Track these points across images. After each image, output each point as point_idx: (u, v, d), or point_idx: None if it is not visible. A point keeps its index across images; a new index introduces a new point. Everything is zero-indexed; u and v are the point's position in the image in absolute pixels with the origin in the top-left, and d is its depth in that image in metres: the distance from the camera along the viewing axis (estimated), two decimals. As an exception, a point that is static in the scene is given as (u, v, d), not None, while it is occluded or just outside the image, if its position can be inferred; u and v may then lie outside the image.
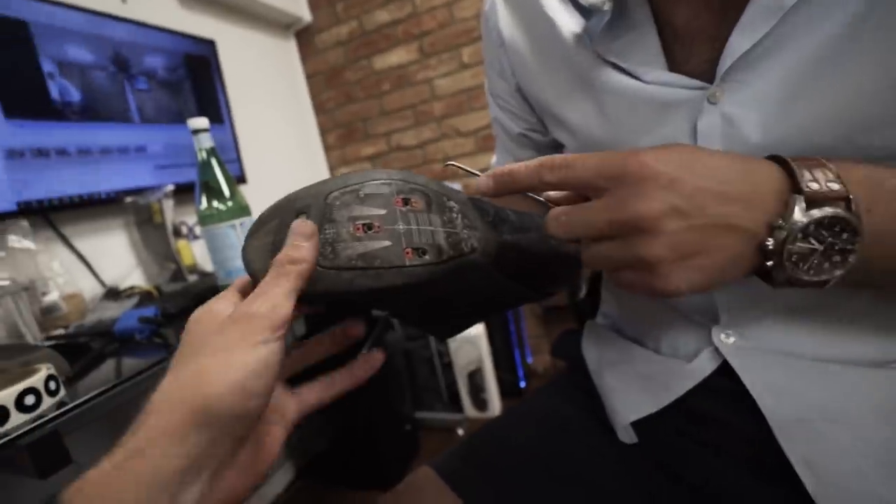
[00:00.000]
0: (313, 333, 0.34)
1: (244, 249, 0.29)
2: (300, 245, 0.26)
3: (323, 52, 1.83)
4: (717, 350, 0.40)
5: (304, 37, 1.85)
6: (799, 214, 0.26)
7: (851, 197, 0.26)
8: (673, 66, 0.37)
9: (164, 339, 0.69)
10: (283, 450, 0.29)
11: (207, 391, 0.22)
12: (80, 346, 0.68)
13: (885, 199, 0.28)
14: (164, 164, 1.17)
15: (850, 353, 0.37)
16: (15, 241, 0.82)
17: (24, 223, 0.85)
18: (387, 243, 0.27)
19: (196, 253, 1.12)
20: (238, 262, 0.75)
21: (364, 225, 0.27)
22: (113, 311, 0.84)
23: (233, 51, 1.51)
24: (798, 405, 0.36)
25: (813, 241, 0.26)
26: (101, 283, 1.03)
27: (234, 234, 0.75)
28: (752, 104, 0.33)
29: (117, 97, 1.08)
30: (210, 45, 1.38)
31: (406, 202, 0.29)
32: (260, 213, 0.30)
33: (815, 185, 0.26)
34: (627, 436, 0.44)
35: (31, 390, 0.45)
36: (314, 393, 0.32)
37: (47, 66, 0.94)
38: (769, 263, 0.27)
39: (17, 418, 0.44)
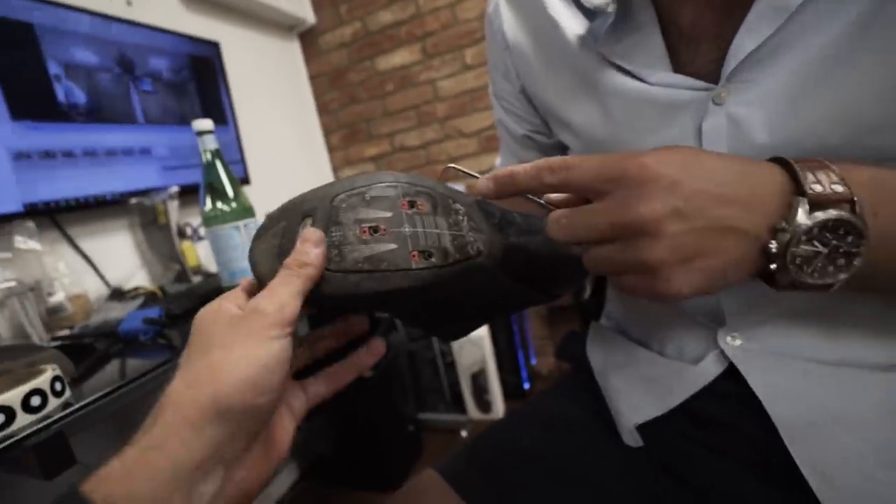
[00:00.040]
0: (317, 327, 0.34)
1: (251, 251, 0.29)
2: (308, 251, 0.26)
3: (326, 54, 1.84)
4: (722, 353, 0.40)
5: (308, 38, 1.86)
6: (802, 217, 0.25)
7: (856, 199, 0.26)
8: (677, 67, 0.37)
9: (168, 341, 0.69)
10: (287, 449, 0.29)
11: (220, 387, 0.23)
12: (85, 347, 0.68)
13: (890, 200, 0.27)
14: (169, 165, 1.18)
15: (857, 357, 0.36)
16: (21, 242, 0.83)
17: (31, 224, 0.86)
18: (393, 246, 0.27)
19: (200, 254, 1.13)
20: (242, 263, 0.75)
21: (370, 228, 0.27)
22: (118, 311, 0.84)
23: (237, 52, 1.52)
24: (806, 409, 0.36)
25: (817, 244, 0.26)
26: (106, 283, 1.04)
27: (238, 236, 0.75)
28: (757, 105, 0.33)
29: (122, 99, 1.09)
30: (214, 46, 1.38)
31: (412, 205, 0.29)
32: (266, 216, 0.30)
33: (818, 188, 0.26)
34: (633, 439, 0.44)
35: (37, 391, 0.46)
36: (321, 385, 0.32)
37: (53, 69, 0.95)
38: (772, 266, 0.26)
39: (22, 419, 0.44)
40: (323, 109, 1.91)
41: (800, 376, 0.37)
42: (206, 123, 0.75)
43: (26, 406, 0.44)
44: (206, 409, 0.22)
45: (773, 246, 0.26)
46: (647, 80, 0.38)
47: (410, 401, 1.53)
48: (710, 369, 0.41)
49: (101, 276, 1.03)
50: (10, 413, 0.43)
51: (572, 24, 0.42)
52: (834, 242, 0.26)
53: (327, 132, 1.93)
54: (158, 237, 1.08)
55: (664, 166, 0.25)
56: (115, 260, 1.08)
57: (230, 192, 0.76)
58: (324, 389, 0.32)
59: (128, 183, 1.07)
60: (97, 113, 1.02)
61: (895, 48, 0.29)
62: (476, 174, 0.31)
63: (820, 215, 0.25)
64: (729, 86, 0.34)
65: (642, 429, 0.44)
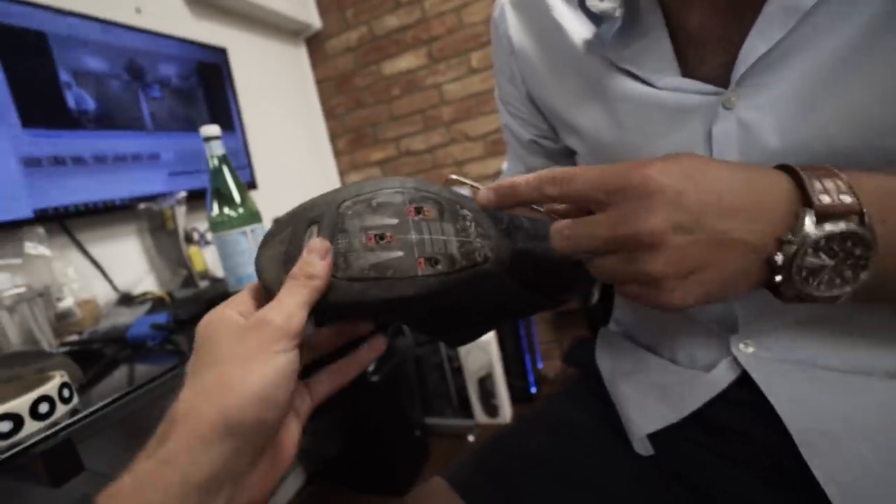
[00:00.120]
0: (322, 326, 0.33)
1: (257, 258, 0.29)
2: (314, 262, 0.26)
3: (333, 58, 1.85)
4: (735, 360, 0.39)
5: (314, 43, 1.87)
6: (810, 229, 0.25)
7: (865, 210, 0.25)
8: (686, 71, 0.37)
9: (176, 346, 0.70)
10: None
11: (229, 402, 0.23)
12: (93, 353, 0.69)
13: None
14: (177, 170, 1.19)
15: (871, 364, 0.36)
16: (31, 247, 0.84)
17: (41, 230, 0.87)
18: (399, 253, 0.27)
19: (207, 259, 1.13)
20: (249, 269, 0.75)
21: (376, 235, 0.27)
22: (126, 316, 0.85)
23: (244, 58, 1.53)
24: (820, 417, 0.35)
25: (824, 257, 0.25)
26: (115, 288, 1.04)
27: (245, 241, 0.76)
28: (768, 109, 0.33)
29: (131, 105, 1.10)
30: (222, 52, 1.39)
31: (419, 211, 0.28)
32: (272, 223, 0.30)
33: (826, 198, 0.25)
34: (643, 447, 0.44)
35: (45, 398, 0.46)
36: (325, 383, 0.32)
37: (64, 76, 0.96)
38: (778, 278, 0.26)
39: (31, 426, 0.44)
40: (329, 114, 1.92)
41: (814, 384, 0.36)
42: (213, 129, 0.75)
43: (34, 413, 0.44)
44: (216, 425, 0.22)
45: (779, 258, 0.25)
46: (655, 84, 0.37)
47: (417, 405, 1.53)
48: (722, 377, 0.40)
49: (110, 281, 1.04)
50: (18, 420, 0.43)
51: (578, 29, 0.41)
52: (841, 254, 0.25)
53: (334, 137, 1.93)
54: (166, 242, 1.09)
55: (668, 177, 0.25)
56: (124, 265, 1.09)
57: (237, 197, 0.76)
58: (327, 387, 0.32)
59: (136, 188, 1.08)
60: (106, 119, 1.03)
61: None
62: (477, 185, 0.31)
63: (828, 227, 0.25)
64: (739, 90, 0.34)
65: (652, 436, 0.43)
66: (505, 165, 0.60)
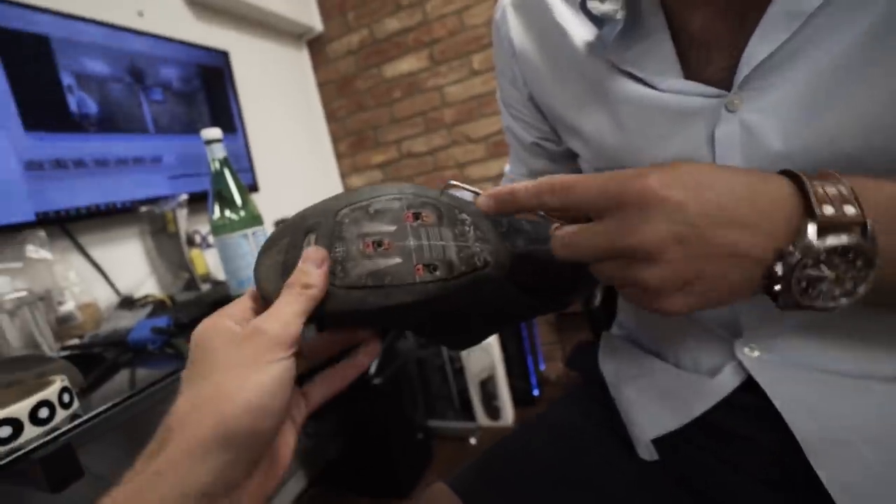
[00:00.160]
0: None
1: (255, 268, 0.29)
2: (310, 271, 0.26)
3: (334, 61, 1.85)
4: (740, 364, 0.39)
5: (316, 46, 1.87)
6: (811, 241, 0.24)
7: (868, 222, 0.25)
8: (689, 73, 0.37)
9: (177, 350, 0.69)
10: (295, 458, 0.29)
11: (225, 411, 0.23)
12: (94, 357, 0.69)
13: None
14: (178, 173, 1.19)
15: (877, 368, 0.35)
16: (32, 251, 0.84)
17: (42, 233, 0.87)
18: (397, 260, 0.27)
19: (209, 262, 1.13)
20: (250, 272, 0.75)
21: (374, 242, 0.27)
22: (127, 320, 0.85)
23: (246, 61, 1.53)
24: (827, 423, 0.35)
25: (824, 269, 0.25)
26: (117, 292, 1.04)
27: (247, 244, 0.76)
28: (771, 112, 0.32)
29: (133, 108, 1.10)
30: (224, 55, 1.39)
31: (417, 217, 0.28)
32: (274, 223, 0.30)
33: (829, 210, 0.24)
34: (648, 453, 0.43)
35: (45, 403, 0.46)
36: (320, 390, 0.32)
37: (66, 80, 0.96)
38: (776, 288, 0.26)
39: (30, 431, 0.44)
40: (331, 117, 1.92)
41: (820, 388, 0.36)
42: (214, 132, 0.75)
43: (34, 418, 0.44)
44: (212, 436, 0.22)
45: (779, 268, 0.25)
46: (657, 86, 0.37)
47: (419, 408, 1.53)
48: (727, 381, 0.40)
49: (112, 285, 1.04)
50: (17, 425, 0.43)
51: (580, 31, 0.41)
52: (842, 267, 0.25)
53: (335, 139, 1.94)
54: (168, 245, 1.09)
55: (668, 189, 0.25)
56: (125, 268, 1.09)
57: (238, 200, 0.76)
58: (323, 393, 0.32)
59: (138, 191, 1.08)
60: (108, 122, 1.04)
61: None
62: (477, 190, 0.31)
63: (830, 240, 0.24)
64: (742, 93, 0.33)
65: (656, 441, 0.43)
66: (507, 168, 0.60)
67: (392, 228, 0.28)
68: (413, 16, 1.67)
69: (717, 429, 0.41)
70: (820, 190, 0.25)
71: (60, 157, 0.94)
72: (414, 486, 1.37)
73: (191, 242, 1.10)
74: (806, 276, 0.25)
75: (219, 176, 0.75)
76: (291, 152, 1.74)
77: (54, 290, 0.84)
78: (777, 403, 0.36)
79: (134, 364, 0.67)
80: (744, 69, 0.33)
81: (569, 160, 0.51)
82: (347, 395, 0.33)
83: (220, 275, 1.13)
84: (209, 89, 1.33)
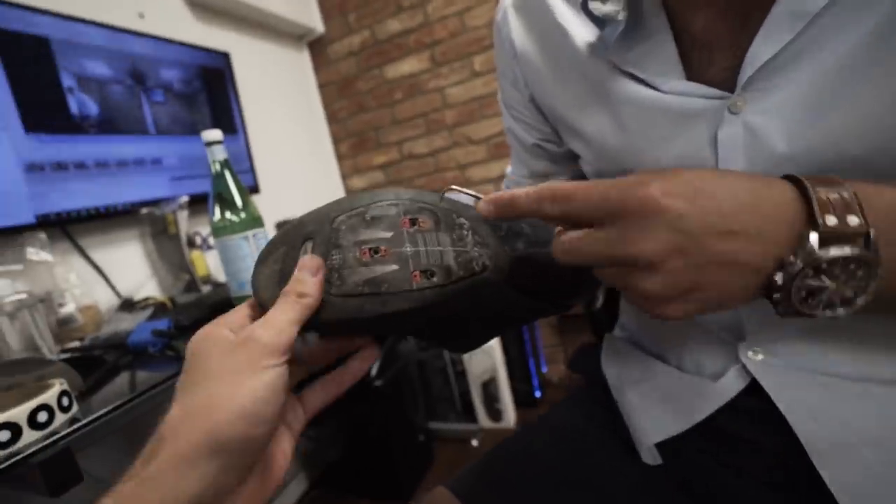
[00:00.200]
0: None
1: (253, 277, 0.29)
2: (305, 279, 0.27)
3: (335, 63, 1.85)
4: (744, 368, 0.39)
5: (317, 47, 1.87)
6: (813, 251, 0.24)
7: (872, 233, 0.24)
8: (691, 74, 0.36)
9: (177, 352, 0.69)
10: (296, 460, 0.29)
11: (217, 418, 0.23)
12: (94, 359, 0.68)
13: None
14: (179, 175, 1.19)
15: (881, 372, 0.35)
16: (33, 253, 0.84)
17: (42, 235, 0.87)
18: (394, 267, 0.27)
19: (210, 263, 1.13)
20: (251, 274, 0.75)
21: (370, 249, 0.27)
22: (128, 322, 0.85)
23: (247, 62, 1.53)
24: (832, 427, 0.34)
25: (825, 279, 0.25)
26: (117, 294, 1.04)
27: (247, 246, 0.75)
28: (775, 113, 0.32)
29: (134, 110, 1.10)
30: (224, 57, 1.39)
31: (413, 222, 0.28)
32: (269, 240, 0.30)
33: (832, 220, 0.24)
34: (651, 456, 0.43)
35: (44, 407, 0.45)
36: (318, 396, 0.32)
37: (67, 81, 0.96)
38: (776, 296, 0.25)
39: (29, 435, 0.44)
40: (332, 118, 1.92)
41: (824, 392, 0.36)
42: (214, 134, 0.75)
43: (32, 422, 0.44)
44: (204, 441, 0.22)
45: (779, 277, 0.25)
46: (659, 88, 0.37)
47: (421, 410, 1.52)
48: (731, 385, 0.39)
49: (112, 287, 1.04)
50: (16, 430, 0.43)
51: (582, 32, 0.41)
52: (843, 277, 0.25)
53: (336, 140, 1.94)
54: (168, 247, 1.09)
55: (669, 197, 0.24)
56: (126, 270, 1.09)
57: (239, 202, 0.75)
58: (321, 399, 0.32)
59: (138, 193, 1.08)
60: (109, 124, 1.04)
61: None
62: (477, 195, 0.30)
63: (833, 252, 0.24)
64: (745, 94, 0.33)
65: (660, 445, 0.43)
66: (509, 169, 0.59)
67: (388, 235, 0.27)
68: (414, 17, 1.67)
69: (719, 432, 0.41)
70: (823, 196, 0.25)
71: (61, 158, 0.93)
72: (415, 489, 1.36)
73: (191, 244, 1.10)
74: (806, 286, 0.25)
75: (219, 177, 0.75)
76: (292, 154, 1.74)
77: (55, 292, 0.84)
78: (781, 407, 0.36)
79: (134, 367, 0.67)
80: (747, 70, 0.32)
81: (570, 161, 0.51)
82: (349, 398, 0.33)
83: (220, 276, 1.13)
84: (210, 91, 1.33)
